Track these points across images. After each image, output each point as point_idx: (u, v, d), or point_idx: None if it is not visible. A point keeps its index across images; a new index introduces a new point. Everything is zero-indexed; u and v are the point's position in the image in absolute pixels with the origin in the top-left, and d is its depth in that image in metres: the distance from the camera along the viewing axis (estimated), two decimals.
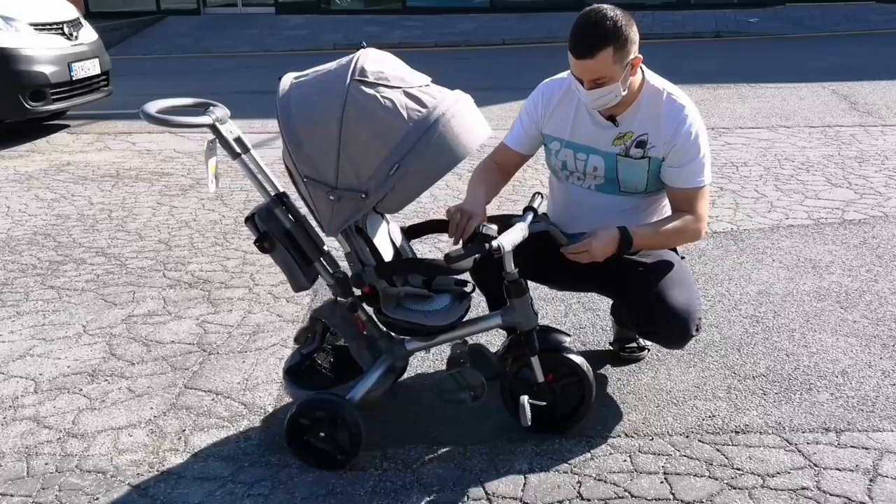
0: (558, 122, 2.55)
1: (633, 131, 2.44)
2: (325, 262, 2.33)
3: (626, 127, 2.45)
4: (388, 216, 2.44)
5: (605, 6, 2.30)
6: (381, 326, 2.38)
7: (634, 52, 2.31)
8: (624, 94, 2.35)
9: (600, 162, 2.50)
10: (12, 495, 2.27)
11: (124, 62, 11.85)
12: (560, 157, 2.58)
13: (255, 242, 2.28)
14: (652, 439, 2.42)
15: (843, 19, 13.94)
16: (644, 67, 2.46)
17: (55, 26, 7.15)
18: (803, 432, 2.41)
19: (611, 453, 2.36)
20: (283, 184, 2.32)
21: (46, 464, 2.41)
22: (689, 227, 2.44)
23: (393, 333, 2.40)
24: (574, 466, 2.30)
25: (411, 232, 2.58)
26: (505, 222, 2.40)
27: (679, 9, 15.32)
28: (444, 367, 2.49)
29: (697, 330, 2.44)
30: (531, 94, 2.63)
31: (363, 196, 2.08)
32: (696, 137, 2.41)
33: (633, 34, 2.30)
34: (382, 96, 2.03)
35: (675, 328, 2.40)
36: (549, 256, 2.46)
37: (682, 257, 2.67)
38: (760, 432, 2.42)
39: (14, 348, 3.18)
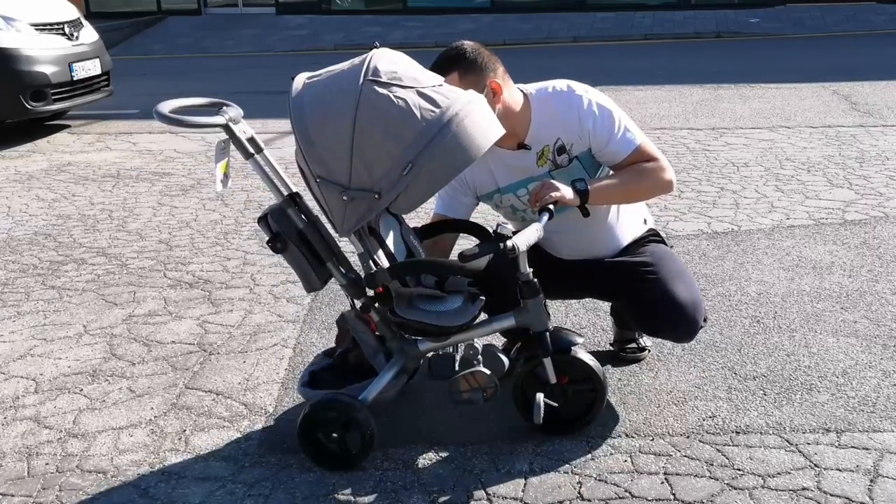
0: (482, 177, 2.55)
1: (546, 145, 2.44)
2: (337, 263, 2.32)
3: (538, 145, 2.45)
4: (401, 216, 2.43)
5: (461, 41, 2.43)
6: (393, 327, 2.37)
7: (490, 77, 2.36)
8: None
9: None
10: (13, 495, 2.27)
11: (125, 62, 11.86)
12: (505, 203, 2.59)
13: (267, 242, 2.28)
14: (652, 440, 2.42)
15: (844, 20, 13.94)
16: (524, 86, 2.48)
17: (56, 26, 7.15)
18: (804, 433, 2.41)
19: (611, 454, 2.36)
20: (294, 183, 2.32)
21: (47, 464, 2.42)
22: (648, 169, 2.40)
23: (405, 334, 2.39)
24: (575, 467, 2.30)
25: (424, 232, 2.58)
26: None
27: (680, 9, 15.32)
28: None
29: (705, 320, 2.47)
30: None
31: (376, 196, 2.07)
32: (600, 107, 2.40)
33: (485, 61, 2.37)
34: (395, 96, 2.03)
35: (684, 324, 2.42)
36: (545, 267, 2.45)
37: (671, 247, 2.67)
38: (761, 433, 2.42)
39: (15, 348, 3.18)
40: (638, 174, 2.41)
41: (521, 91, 2.47)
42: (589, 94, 2.43)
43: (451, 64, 2.35)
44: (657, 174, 2.42)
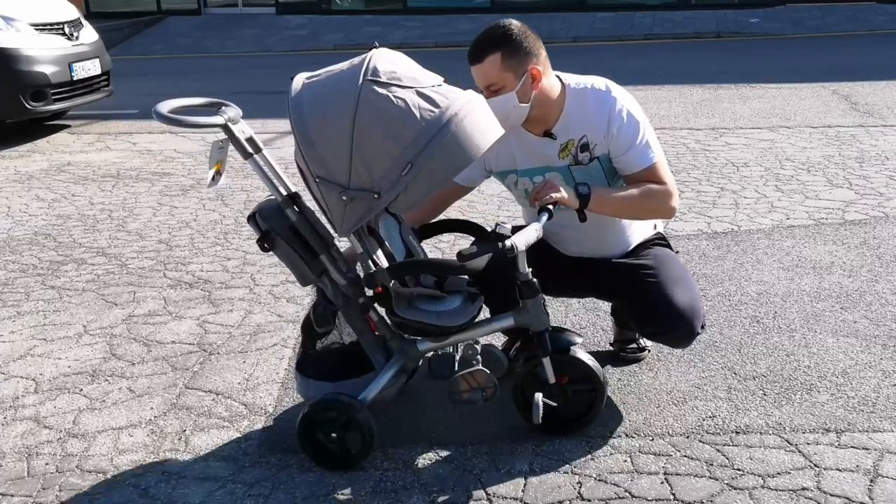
0: (503, 155, 2.54)
1: (572, 138, 2.44)
2: (334, 257, 2.31)
3: (563, 137, 2.44)
4: (400, 216, 2.44)
5: (509, 19, 2.37)
6: (392, 327, 2.37)
7: (533, 62, 2.33)
8: (523, 106, 2.34)
9: (557, 178, 2.49)
10: (13, 495, 2.27)
11: (125, 62, 11.86)
12: (520, 186, 2.58)
13: (257, 241, 2.28)
14: (652, 440, 2.42)
15: (844, 20, 13.94)
16: (563, 74, 2.46)
17: (56, 26, 7.15)
18: (804, 433, 2.41)
19: (611, 454, 2.36)
20: (294, 183, 2.31)
21: (47, 464, 2.42)
22: (655, 192, 2.40)
23: (405, 334, 2.38)
24: (574, 467, 2.30)
25: (423, 232, 2.58)
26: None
27: (680, 9, 15.32)
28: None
29: (703, 327, 2.46)
30: None
31: (375, 196, 2.07)
32: (629, 114, 2.39)
33: (530, 45, 2.33)
34: (395, 96, 2.03)
35: (682, 328, 2.42)
36: (547, 265, 2.45)
37: (677, 251, 2.68)
38: (761, 433, 2.42)
39: (14, 348, 3.18)
40: (644, 193, 2.40)
41: (560, 79, 2.45)
42: (624, 99, 2.42)
43: (496, 44, 2.31)
44: (663, 198, 2.41)
